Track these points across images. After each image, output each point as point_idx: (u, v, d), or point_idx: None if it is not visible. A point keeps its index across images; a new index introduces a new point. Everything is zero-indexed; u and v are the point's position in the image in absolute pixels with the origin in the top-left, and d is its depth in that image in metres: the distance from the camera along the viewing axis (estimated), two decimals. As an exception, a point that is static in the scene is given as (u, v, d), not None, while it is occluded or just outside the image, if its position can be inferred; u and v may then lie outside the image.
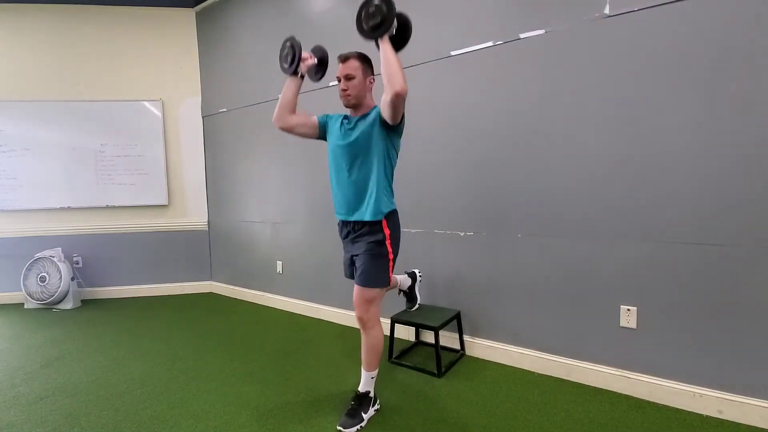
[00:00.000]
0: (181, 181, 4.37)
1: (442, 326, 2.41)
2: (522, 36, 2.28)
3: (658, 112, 1.93)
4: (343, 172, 1.84)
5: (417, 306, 2.62)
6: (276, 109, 1.90)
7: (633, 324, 2.04)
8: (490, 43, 2.40)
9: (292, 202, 3.59)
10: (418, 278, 2.62)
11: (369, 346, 1.85)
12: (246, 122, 3.94)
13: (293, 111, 1.90)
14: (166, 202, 4.31)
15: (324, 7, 3.22)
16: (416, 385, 2.23)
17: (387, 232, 1.81)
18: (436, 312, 2.57)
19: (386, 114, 1.68)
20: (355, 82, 1.76)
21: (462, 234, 2.59)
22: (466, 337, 2.60)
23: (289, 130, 1.93)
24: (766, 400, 1.75)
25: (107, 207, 4.22)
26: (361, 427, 1.81)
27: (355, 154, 1.79)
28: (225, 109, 4.13)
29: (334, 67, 1.85)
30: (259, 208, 3.90)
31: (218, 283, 4.41)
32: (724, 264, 1.81)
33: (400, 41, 1.71)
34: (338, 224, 1.97)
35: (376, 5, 1.60)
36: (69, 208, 4.16)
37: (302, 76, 1.90)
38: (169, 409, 2.01)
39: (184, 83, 4.32)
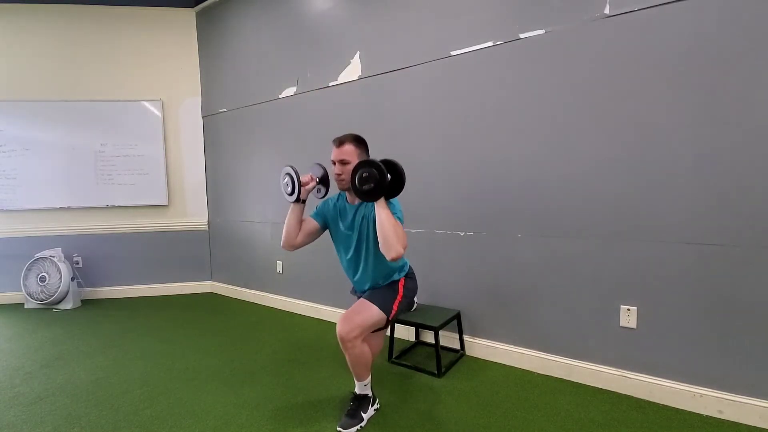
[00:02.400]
0: (181, 181, 4.37)
1: (442, 326, 2.41)
2: (522, 36, 2.28)
3: (658, 112, 1.93)
4: (349, 261, 1.92)
5: (415, 307, 2.62)
6: (283, 235, 1.91)
7: (633, 324, 2.03)
8: (490, 43, 2.40)
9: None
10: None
11: (353, 362, 1.80)
12: (246, 122, 3.94)
13: (298, 233, 1.92)
14: (166, 202, 4.31)
15: (323, 7, 3.22)
16: (416, 385, 2.23)
17: (402, 280, 1.90)
18: (436, 312, 2.57)
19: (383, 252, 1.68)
20: (350, 167, 1.77)
21: (462, 234, 2.59)
22: (466, 337, 2.60)
23: (298, 248, 1.96)
24: (766, 400, 1.75)
25: (107, 207, 4.22)
26: (360, 427, 1.81)
27: (359, 245, 1.86)
28: (225, 109, 4.13)
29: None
30: (259, 208, 3.90)
31: (218, 283, 4.41)
32: (724, 264, 1.81)
33: (394, 189, 1.72)
34: (351, 292, 2.08)
35: (369, 171, 1.63)
36: (69, 208, 4.16)
37: (304, 201, 1.91)
38: (169, 409, 2.01)
39: (184, 83, 4.32)
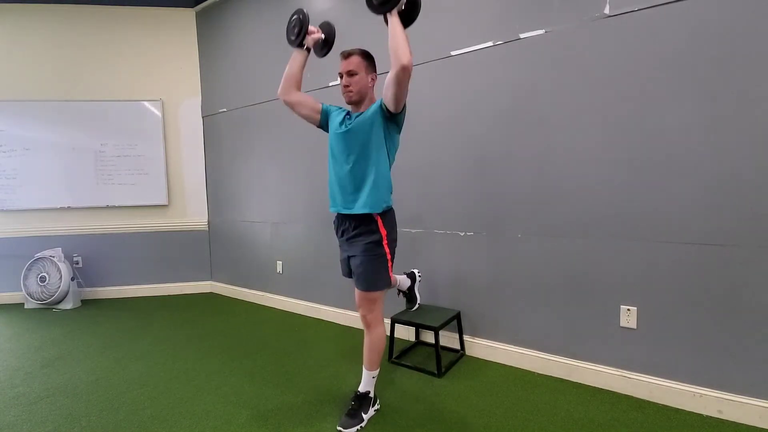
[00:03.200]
0: (181, 181, 4.37)
1: (442, 326, 2.41)
2: (522, 36, 2.28)
3: (658, 112, 1.93)
4: (340, 162, 1.82)
5: (417, 306, 2.62)
6: (282, 81, 1.89)
7: (633, 324, 2.03)
8: (490, 43, 2.40)
9: (292, 202, 3.59)
10: (418, 278, 2.61)
11: (371, 345, 1.86)
12: (246, 122, 3.94)
13: (299, 85, 1.89)
14: (166, 202, 4.31)
15: (323, 7, 3.22)
16: (416, 385, 2.23)
17: (383, 232, 1.79)
18: (436, 312, 2.57)
19: (389, 94, 1.66)
20: (357, 78, 1.76)
21: (462, 234, 2.59)
22: (466, 337, 2.60)
23: (292, 105, 1.93)
24: (766, 400, 1.75)
25: (107, 207, 4.22)
26: (361, 427, 1.81)
27: (353, 144, 1.77)
28: (225, 109, 4.13)
29: (340, 48, 1.85)
30: (259, 208, 3.90)
31: (218, 283, 4.41)
32: (724, 264, 1.81)
33: (406, 19, 1.72)
34: (334, 221, 1.95)
35: None
36: (69, 208, 4.16)
37: (308, 50, 1.89)
38: (169, 409, 2.01)
39: (184, 83, 4.32)
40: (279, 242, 3.75)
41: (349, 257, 1.88)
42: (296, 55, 1.88)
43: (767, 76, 1.69)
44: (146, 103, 4.23)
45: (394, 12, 1.64)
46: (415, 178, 2.75)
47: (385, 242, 1.80)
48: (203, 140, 4.38)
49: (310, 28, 1.85)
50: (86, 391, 2.22)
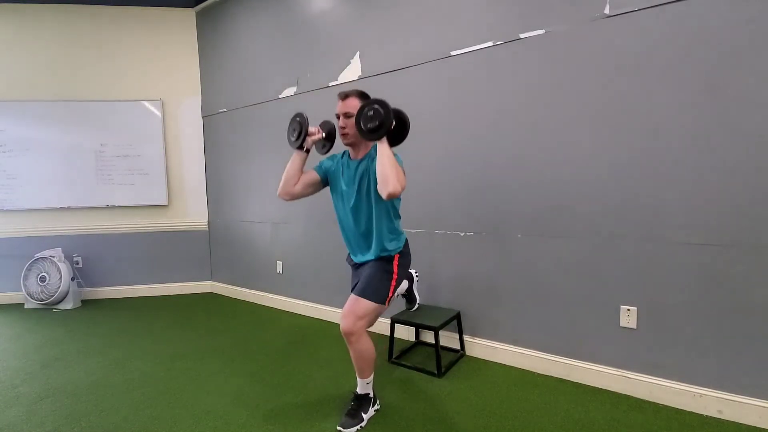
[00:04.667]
0: (181, 181, 4.37)
1: (442, 326, 2.41)
2: (522, 36, 2.28)
3: (658, 112, 1.93)
4: (347, 217, 1.88)
5: (417, 306, 2.62)
6: (281, 182, 1.90)
7: (633, 324, 2.04)
8: (490, 43, 2.40)
9: (292, 202, 3.58)
10: (415, 279, 2.61)
11: (357, 356, 1.80)
12: (246, 122, 3.94)
13: (297, 183, 1.91)
14: (166, 202, 4.31)
15: (323, 7, 3.22)
16: (416, 385, 2.23)
17: (396, 256, 1.86)
18: (436, 312, 2.57)
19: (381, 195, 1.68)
20: (353, 121, 1.76)
21: (462, 234, 2.59)
22: (466, 337, 2.60)
23: (295, 198, 1.95)
24: (766, 400, 1.75)
25: (107, 207, 4.22)
26: (361, 427, 1.81)
27: (358, 201, 1.83)
28: (225, 109, 4.13)
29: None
30: (259, 208, 3.90)
31: (218, 283, 4.41)
32: (724, 264, 1.81)
33: (398, 137, 1.74)
34: (348, 259, 2.02)
35: (375, 109, 1.63)
36: (69, 208, 4.16)
37: (308, 151, 1.90)
38: (169, 409, 2.01)
39: (184, 83, 4.32)
40: (279, 242, 3.75)
41: (358, 281, 1.90)
42: (296, 157, 1.89)
43: (766, 76, 1.69)
44: (146, 103, 4.22)
45: (384, 139, 1.65)
46: (415, 179, 2.75)
47: (395, 263, 1.86)
48: (203, 140, 4.38)
49: (311, 129, 1.86)
50: (86, 391, 2.22)
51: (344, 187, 1.87)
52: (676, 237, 1.91)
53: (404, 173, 1.69)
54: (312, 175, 1.94)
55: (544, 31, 2.21)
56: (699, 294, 1.87)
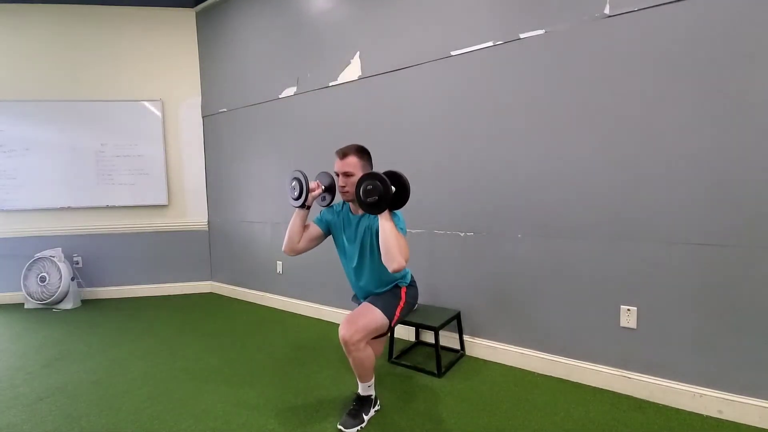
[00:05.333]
0: (181, 181, 4.37)
1: (442, 326, 2.41)
2: (522, 36, 2.28)
3: (658, 112, 1.93)
4: (351, 272, 1.94)
5: (417, 306, 2.62)
6: (285, 240, 1.91)
7: (633, 324, 2.04)
8: (490, 43, 2.40)
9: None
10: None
11: (356, 364, 1.80)
12: (246, 122, 3.94)
13: (301, 239, 1.92)
14: (166, 202, 4.31)
15: (323, 7, 3.22)
16: (416, 385, 2.23)
17: (402, 299, 1.89)
18: (436, 312, 2.57)
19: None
20: (353, 179, 1.77)
21: (462, 234, 2.59)
22: (466, 337, 2.60)
23: (300, 253, 1.96)
24: (766, 400, 1.75)
25: (107, 207, 4.22)
26: (361, 427, 1.81)
27: (361, 259, 1.86)
28: (225, 109, 4.13)
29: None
30: (259, 208, 3.90)
31: (218, 283, 4.41)
32: (724, 264, 1.81)
33: (398, 202, 1.74)
34: (353, 299, 2.09)
35: (373, 184, 1.64)
36: (69, 208, 4.16)
37: (308, 207, 1.91)
38: (169, 410, 2.01)
39: (184, 83, 4.32)
40: (279, 242, 3.70)
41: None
42: (297, 215, 1.91)
43: (766, 76, 1.69)
44: (146, 103, 4.22)
45: (385, 213, 1.67)
46: (415, 179, 2.73)
47: (404, 290, 1.90)
48: (203, 140, 4.38)
49: (311, 185, 1.86)
50: (86, 391, 2.22)
51: (347, 244, 1.91)
52: (676, 237, 1.91)
53: (406, 241, 1.70)
54: (314, 230, 1.96)
55: (544, 31, 2.21)
56: (699, 294, 1.87)
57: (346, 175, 1.79)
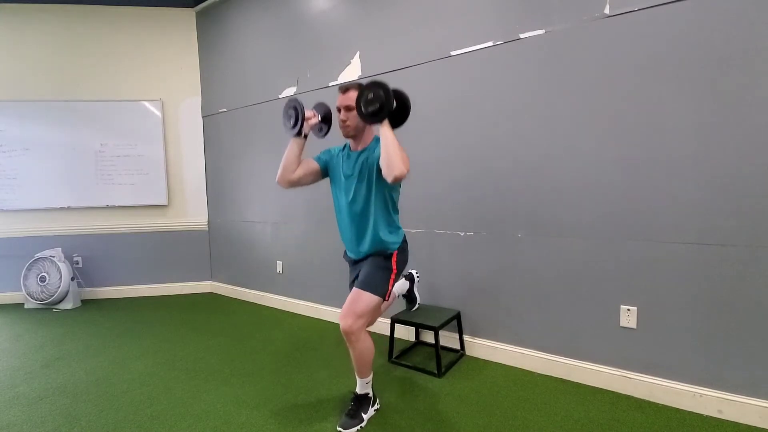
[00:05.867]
0: (181, 181, 4.37)
1: (442, 326, 2.40)
2: (522, 36, 2.28)
3: (658, 112, 1.93)
4: (346, 209, 1.87)
5: (417, 306, 2.63)
6: (280, 170, 1.88)
7: (633, 324, 2.04)
8: (490, 43, 2.40)
9: (292, 202, 3.59)
10: (416, 279, 2.62)
11: (357, 356, 1.81)
12: (246, 122, 3.94)
13: (296, 170, 1.89)
14: (166, 202, 4.31)
15: (324, 7, 3.22)
16: (416, 385, 2.23)
17: (394, 269, 1.86)
18: (436, 312, 2.57)
19: (386, 180, 1.67)
20: (354, 113, 1.75)
21: (462, 234, 2.59)
22: (466, 337, 2.60)
23: (294, 185, 1.92)
24: (766, 400, 1.75)
25: (107, 207, 4.22)
26: (360, 427, 1.81)
27: (357, 191, 1.82)
28: (225, 109, 4.13)
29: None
30: (259, 208, 3.90)
31: (218, 283, 4.41)
32: (724, 264, 1.81)
33: (399, 118, 1.73)
34: (345, 256, 2.03)
35: (375, 92, 1.62)
36: (69, 208, 4.16)
37: (305, 136, 1.88)
38: (169, 409, 2.01)
39: (184, 83, 4.32)
40: (279, 242, 3.75)
41: (356, 277, 1.90)
42: (293, 144, 1.86)
43: (766, 76, 1.69)
44: (146, 103, 4.22)
45: (385, 122, 1.65)
46: (415, 178, 2.75)
47: (394, 259, 1.86)
48: (203, 140, 4.38)
49: (307, 113, 1.83)
50: (86, 391, 2.22)
51: (343, 179, 1.86)
52: (676, 237, 1.91)
53: (407, 158, 1.67)
54: (311, 164, 1.92)
55: (544, 31, 2.21)
56: (699, 294, 1.87)
57: (348, 109, 1.77)
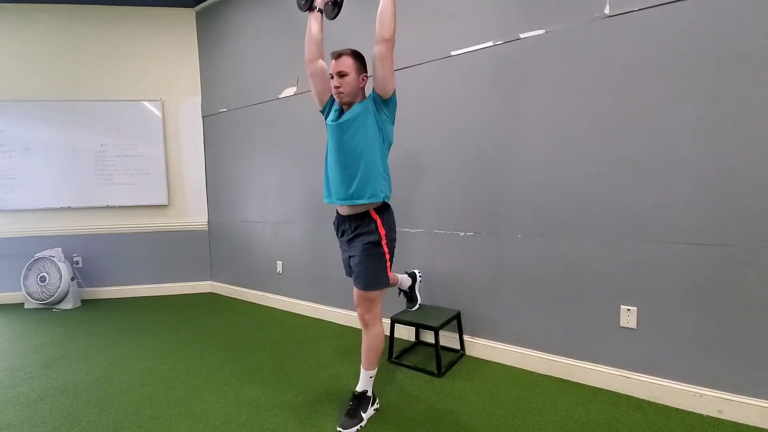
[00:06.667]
0: (181, 181, 4.37)
1: (442, 326, 2.40)
2: (522, 36, 2.28)
3: (657, 112, 1.93)
4: (333, 153, 1.81)
5: (417, 306, 2.63)
6: (306, 46, 1.88)
7: (633, 324, 2.04)
8: (490, 43, 2.40)
9: (292, 202, 3.59)
10: (418, 279, 2.62)
11: (369, 345, 1.87)
12: (246, 122, 3.94)
13: (321, 45, 1.89)
14: (166, 202, 4.31)
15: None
16: (416, 385, 2.23)
17: (382, 232, 1.80)
18: (436, 312, 2.57)
19: (379, 73, 1.69)
20: (348, 79, 1.75)
21: (462, 234, 2.59)
22: (466, 337, 2.60)
23: (314, 74, 1.90)
24: (766, 400, 1.75)
25: (107, 207, 4.22)
26: (360, 426, 1.81)
27: (346, 134, 1.77)
28: (225, 109, 4.13)
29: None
30: (259, 208, 3.90)
31: (218, 283, 4.41)
32: (724, 264, 1.81)
33: None
34: (333, 221, 1.95)
35: None
36: (69, 208, 4.16)
37: (321, 11, 1.91)
38: (169, 409, 2.01)
39: (184, 83, 4.32)
40: (279, 242, 3.75)
41: (350, 257, 1.88)
42: (311, 19, 1.88)
43: (766, 76, 1.69)
44: (146, 103, 4.23)
45: None
46: (415, 178, 2.75)
47: (384, 242, 1.80)
48: (203, 140, 4.38)
49: None
50: (86, 391, 2.22)
51: (332, 122, 1.83)
52: (676, 237, 1.91)
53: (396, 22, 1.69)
54: (327, 83, 1.88)
55: (544, 31, 2.21)
56: (699, 294, 1.87)
57: (341, 75, 1.75)
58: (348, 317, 3.21)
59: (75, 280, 4.03)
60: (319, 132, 3.30)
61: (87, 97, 4.16)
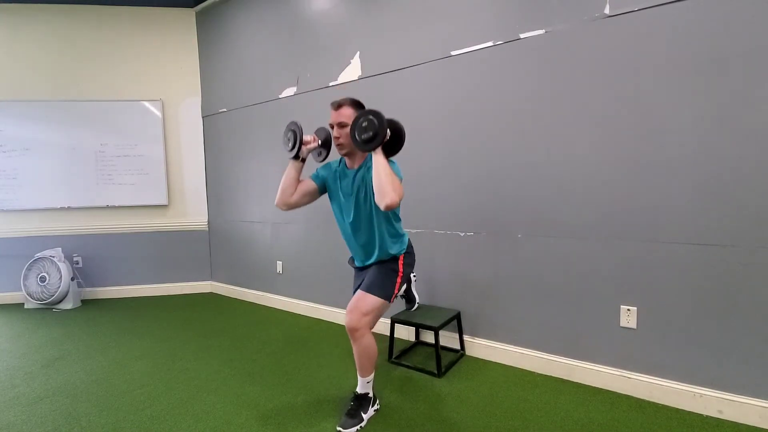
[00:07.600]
0: (181, 181, 4.37)
1: (442, 326, 2.40)
2: (522, 36, 2.28)
3: (657, 112, 1.93)
4: (347, 229, 1.89)
5: (416, 306, 2.62)
6: (278, 193, 1.91)
7: (633, 324, 2.04)
8: (490, 43, 2.40)
9: (292, 202, 3.59)
10: (413, 279, 2.62)
11: (360, 354, 1.82)
12: (246, 122, 3.94)
13: (294, 193, 1.90)
14: (166, 202, 4.31)
15: (323, 7, 3.22)
16: (416, 385, 2.23)
17: (401, 271, 1.87)
18: (436, 312, 2.57)
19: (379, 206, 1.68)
20: (348, 130, 1.75)
21: (462, 234, 2.59)
22: (466, 337, 2.60)
23: (293, 207, 1.95)
24: (766, 400, 1.75)
25: (107, 207, 4.22)
26: (360, 427, 1.81)
27: (357, 212, 1.83)
28: (225, 109, 4.13)
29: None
30: (259, 208, 3.90)
31: (218, 283, 4.41)
32: (724, 264, 1.81)
33: (393, 147, 1.73)
34: (349, 260, 2.04)
35: (369, 120, 1.62)
36: (69, 208, 4.16)
37: (303, 160, 1.89)
38: (169, 409, 2.01)
39: (184, 83, 4.32)
40: (279, 242, 3.75)
41: (361, 281, 1.90)
42: (291, 167, 1.88)
43: (766, 76, 1.69)
44: (146, 103, 4.22)
45: (378, 150, 1.65)
46: (415, 178, 2.75)
47: (401, 262, 1.88)
48: (203, 140, 4.38)
49: (305, 138, 1.84)
50: (86, 391, 2.22)
51: (342, 199, 1.88)
52: (676, 237, 1.91)
53: (401, 181, 1.69)
54: (309, 185, 1.93)
55: (544, 31, 2.21)
56: (699, 294, 1.87)
57: (341, 125, 1.77)
58: (348, 317, 3.21)
59: (75, 280, 4.03)
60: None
61: (87, 97, 4.15)
